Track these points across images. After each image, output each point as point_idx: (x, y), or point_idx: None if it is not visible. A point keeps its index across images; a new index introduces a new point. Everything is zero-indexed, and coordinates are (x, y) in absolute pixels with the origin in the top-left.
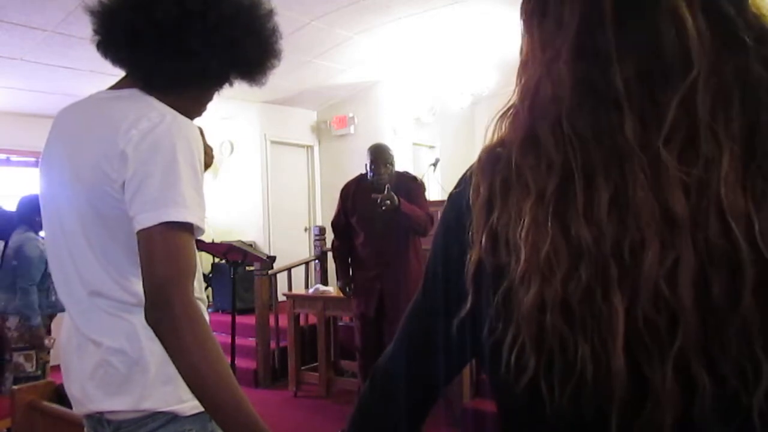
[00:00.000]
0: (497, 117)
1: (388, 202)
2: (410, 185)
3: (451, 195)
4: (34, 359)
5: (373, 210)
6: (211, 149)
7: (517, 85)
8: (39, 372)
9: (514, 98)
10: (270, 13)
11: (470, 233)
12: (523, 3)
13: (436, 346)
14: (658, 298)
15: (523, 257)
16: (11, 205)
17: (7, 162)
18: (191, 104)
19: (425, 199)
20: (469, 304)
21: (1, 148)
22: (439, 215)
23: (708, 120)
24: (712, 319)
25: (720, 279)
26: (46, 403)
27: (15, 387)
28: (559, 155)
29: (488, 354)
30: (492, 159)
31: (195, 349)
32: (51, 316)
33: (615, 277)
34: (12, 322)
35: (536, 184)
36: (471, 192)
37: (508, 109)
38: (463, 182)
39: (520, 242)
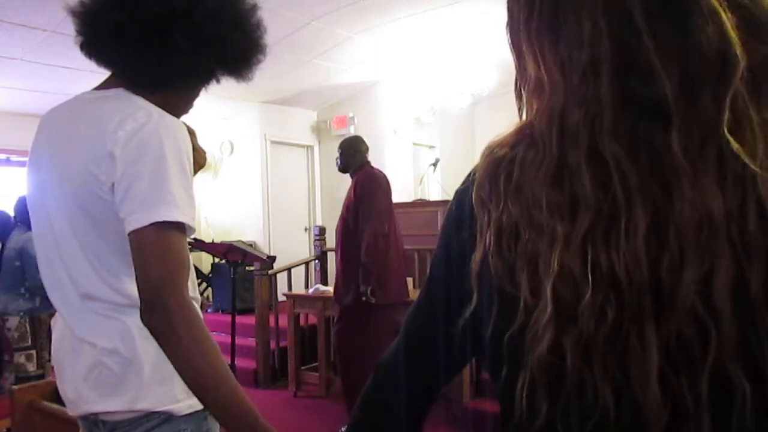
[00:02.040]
0: (510, 138)
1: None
2: (365, 184)
3: (457, 192)
4: (35, 359)
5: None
6: (204, 151)
7: (529, 111)
8: (41, 371)
9: (536, 123)
10: (254, 7)
11: (474, 235)
12: (522, 21)
13: (436, 345)
14: (695, 314)
15: (547, 304)
16: (9, 206)
17: (7, 162)
18: (178, 102)
19: (373, 200)
20: (472, 305)
21: (1, 148)
22: (439, 215)
23: (748, 113)
24: (748, 318)
25: (758, 273)
26: (45, 403)
27: (15, 387)
28: (594, 188)
29: (499, 392)
30: (496, 168)
31: (193, 349)
32: None
33: (649, 307)
34: (12, 322)
35: (563, 228)
36: (473, 196)
37: (522, 129)
38: (468, 180)
39: (538, 285)
